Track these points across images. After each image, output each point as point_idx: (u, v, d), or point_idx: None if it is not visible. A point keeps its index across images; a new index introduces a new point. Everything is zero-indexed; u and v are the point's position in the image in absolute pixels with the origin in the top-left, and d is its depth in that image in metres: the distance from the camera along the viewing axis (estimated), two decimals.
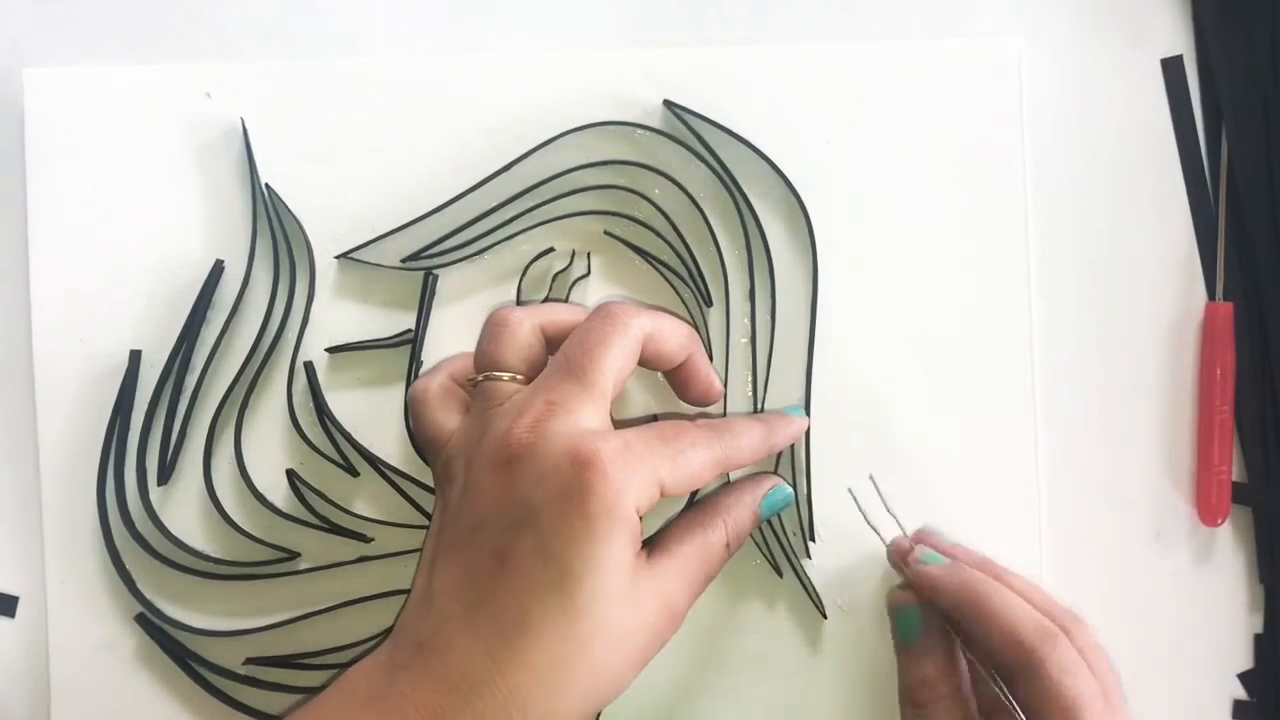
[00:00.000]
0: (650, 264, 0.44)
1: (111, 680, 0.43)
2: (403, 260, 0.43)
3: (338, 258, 0.44)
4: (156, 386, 0.43)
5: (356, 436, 0.43)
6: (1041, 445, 0.44)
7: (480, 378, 0.37)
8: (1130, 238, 0.46)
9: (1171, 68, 0.46)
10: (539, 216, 0.44)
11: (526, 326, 0.38)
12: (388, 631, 0.41)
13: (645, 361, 0.38)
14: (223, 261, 0.44)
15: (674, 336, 0.38)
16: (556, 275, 0.44)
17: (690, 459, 0.35)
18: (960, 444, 0.44)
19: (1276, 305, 0.45)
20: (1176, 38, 0.46)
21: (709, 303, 0.44)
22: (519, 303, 0.44)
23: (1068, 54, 0.46)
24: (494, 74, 0.44)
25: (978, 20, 0.45)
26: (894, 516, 0.43)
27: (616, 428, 0.36)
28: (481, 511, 0.34)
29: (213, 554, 0.43)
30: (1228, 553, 0.46)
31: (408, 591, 0.37)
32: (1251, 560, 0.46)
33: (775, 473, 0.42)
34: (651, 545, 0.35)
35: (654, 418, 0.44)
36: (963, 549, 0.42)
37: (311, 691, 0.43)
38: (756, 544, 0.43)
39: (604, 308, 0.37)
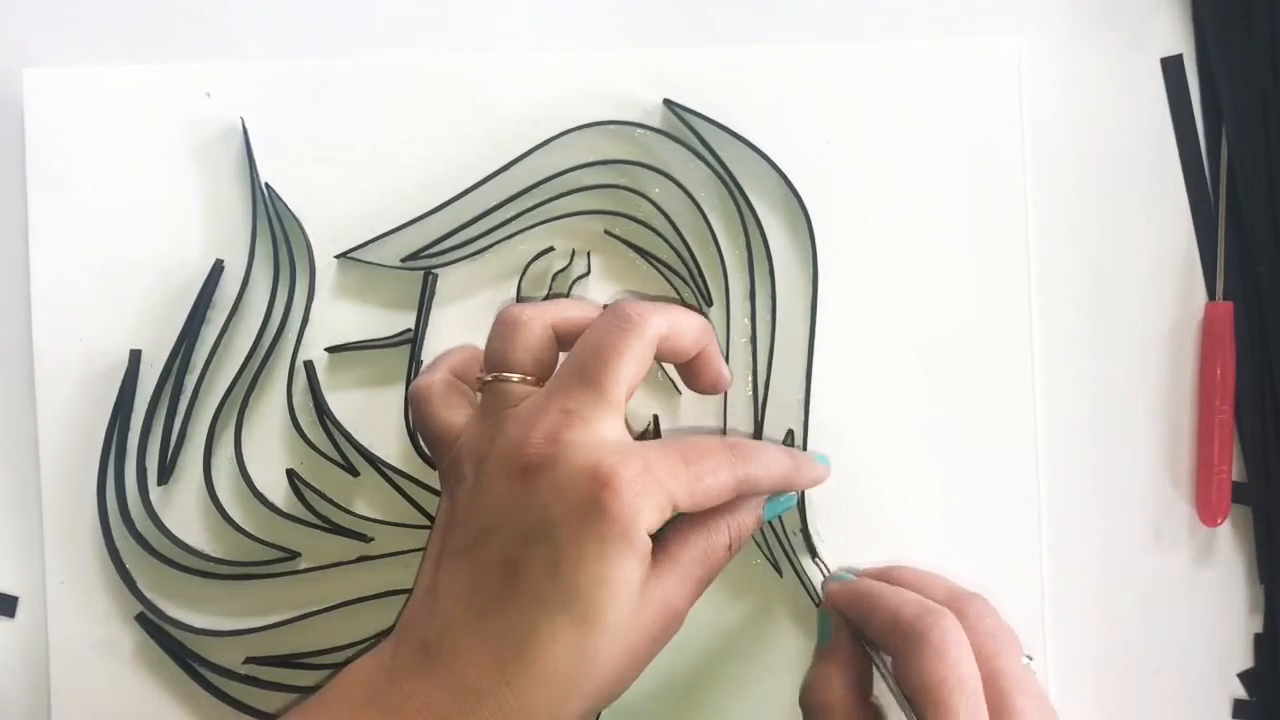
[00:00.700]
0: (650, 264, 0.44)
1: (111, 680, 0.43)
2: (403, 260, 0.43)
3: (338, 257, 0.44)
4: (156, 386, 0.43)
5: (356, 436, 0.43)
6: (1041, 445, 0.44)
7: (490, 377, 0.37)
8: (1130, 237, 0.46)
9: (1171, 68, 0.46)
10: (539, 216, 0.44)
11: (538, 326, 0.37)
12: (388, 631, 0.41)
13: (659, 358, 0.37)
14: (223, 261, 0.44)
15: (689, 333, 0.38)
16: (556, 274, 0.44)
17: (708, 484, 0.35)
18: (960, 444, 0.44)
19: (1276, 305, 0.45)
20: (1176, 38, 0.46)
21: (709, 302, 0.44)
22: (519, 302, 0.44)
23: (1068, 54, 0.46)
24: (494, 74, 0.44)
25: (978, 20, 0.45)
26: (821, 562, 0.43)
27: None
28: (493, 517, 0.34)
29: (213, 554, 0.43)
30: (1228, 553, 0.46)
31: (409, 590, 0.36)
32: (1251, 560, 0.46)
33: None
34: (654, 547, 0.35)
35: (654, 417, 0.44)
36: (879, 567, 0.43)
37: (311, 691, 0.43)
38: (757, 544, 0.44)
39: (618, 308, 0.36)
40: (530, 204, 0.43)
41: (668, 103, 0.44)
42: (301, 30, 0.45)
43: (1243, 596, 0.46)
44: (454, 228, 0.43)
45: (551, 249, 0.44)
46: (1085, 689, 0.45)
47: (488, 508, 0.34)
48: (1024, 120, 0.45)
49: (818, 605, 0.42)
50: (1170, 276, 0.46)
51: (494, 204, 0.43)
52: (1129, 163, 0.46)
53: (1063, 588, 0.45)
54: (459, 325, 0.44)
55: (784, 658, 0.44)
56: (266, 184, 0.44)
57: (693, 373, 0.40)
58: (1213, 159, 0.46)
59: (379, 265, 0.44)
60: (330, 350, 0.44)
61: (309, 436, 0.43)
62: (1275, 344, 0.45)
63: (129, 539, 0.43)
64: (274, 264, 0.44)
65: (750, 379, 0.44)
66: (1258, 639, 0.46)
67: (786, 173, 0.44)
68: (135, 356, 0.43)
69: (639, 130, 0.44)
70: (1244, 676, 0.46)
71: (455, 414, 0.38)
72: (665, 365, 0.43)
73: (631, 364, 0.35)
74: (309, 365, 0.44)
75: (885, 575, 0.42)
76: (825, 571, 0.44)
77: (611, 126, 0.44)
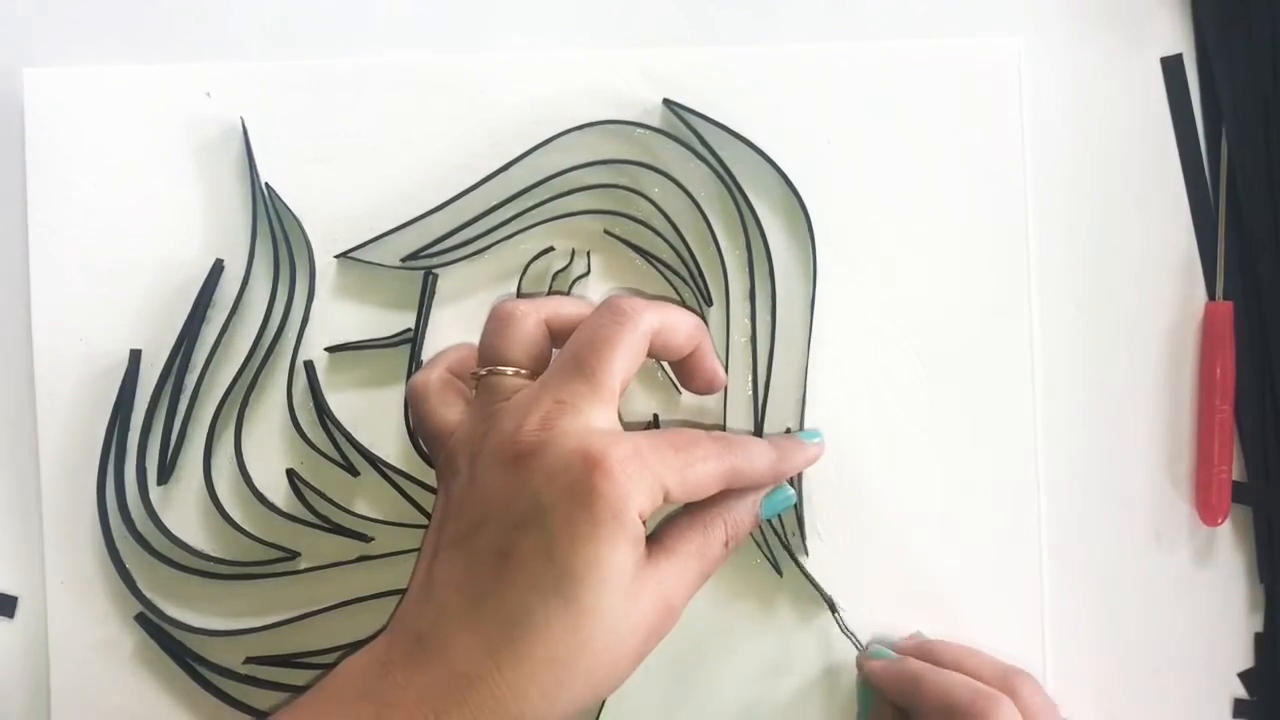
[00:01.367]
0: (650, 263, 0.44)
1: (111, 680, 0.43)
2: (403, 260, 0.43)
3: (338, 257, 0.44)
4: (156, 386, 0.43)
5: (356, 436, 0.43)
6: (1041, 445, 0.44)
7: (484, 372, 0.37)
8: (1130, 237, 0.46)
9: (1171, 68, 0.46)
10: (539, 216, 0.44)
11: (531, 320, 0.37)
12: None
13: (652, 354, 0.37)
14: (223, 261, 0.44)
15: (682, 329, 0.38)
16: (556, 274, 0.44)
17: (698, 471, 0.35)
18: (960, 444, 0.44)
19: (1276, 305, 0.45)
20: (1176, 38, 0.46)
21: (709, 302, 0.44)
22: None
23: (1068, 54, 0.46)
24: (494, 74, 0.44)
25: (978, 20, 0.45)
26: (849, 631, 0.44)
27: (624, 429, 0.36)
28: (487, 507, 0.34)
29: (213, 554, 0.43)
30: (1228, 553, 0.46)
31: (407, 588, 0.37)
32: (1251, 560, 0.46)
33: None
34: (651, 542, 0.35)
35: (655, 416, 0.44)
36: (916, 641, 0.43)
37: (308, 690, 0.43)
38: (756, 543, 0.44)
39: (612, 302, 0.37)
40: (530, 204, 0.43)
41: (667, 102, 0.44)
42: (301, 30, 0.45)
43: (1243, 596, 0.46)
44: (454, 228, 0.43)
45: (551, 249, 0.44)
46: (1085, 689, 0.45)
47: (482, 498, 0.34)
48: (1024, 120, 0.45)
49: (860, 683, 0.43)
50: (1170, 276, 0.46)
51: (494, 204, 0.43)
52: (1129, 163, 0.46)
53: (1063, 588, 0.45)
54: (459, 325, 0.44)
55: (784, 658, 0.44)
56: (266, 184, 0.44)
57: (687, 372, 0.40)
58: (1213, 159, 0.46)
59: (379, 265, 0.44)
60: (330, 350, 0.44)
61: (309, 436, 0.43)
62: (1275, 344, 0.45)
63: (129, 539, 0.43)
64: (274, 264, 0.44)
65: (750, 378, 0.44)
66: (1258, 639, 0.46)
67: (786, 173, 0.44)
68: (135, 356, 0.43)
69: (639, 130, 0.44)
70: (1244, 676, 0.46)
71: (451, 411, 0.38)
72: (665, 365, 0.43)
73: (624, 356, 0.35)
74: (309, 365, 0.44)
75: (925, 652, 0.42)
76: (854, 640, 0.43)
77: (611, 126, 0.44)
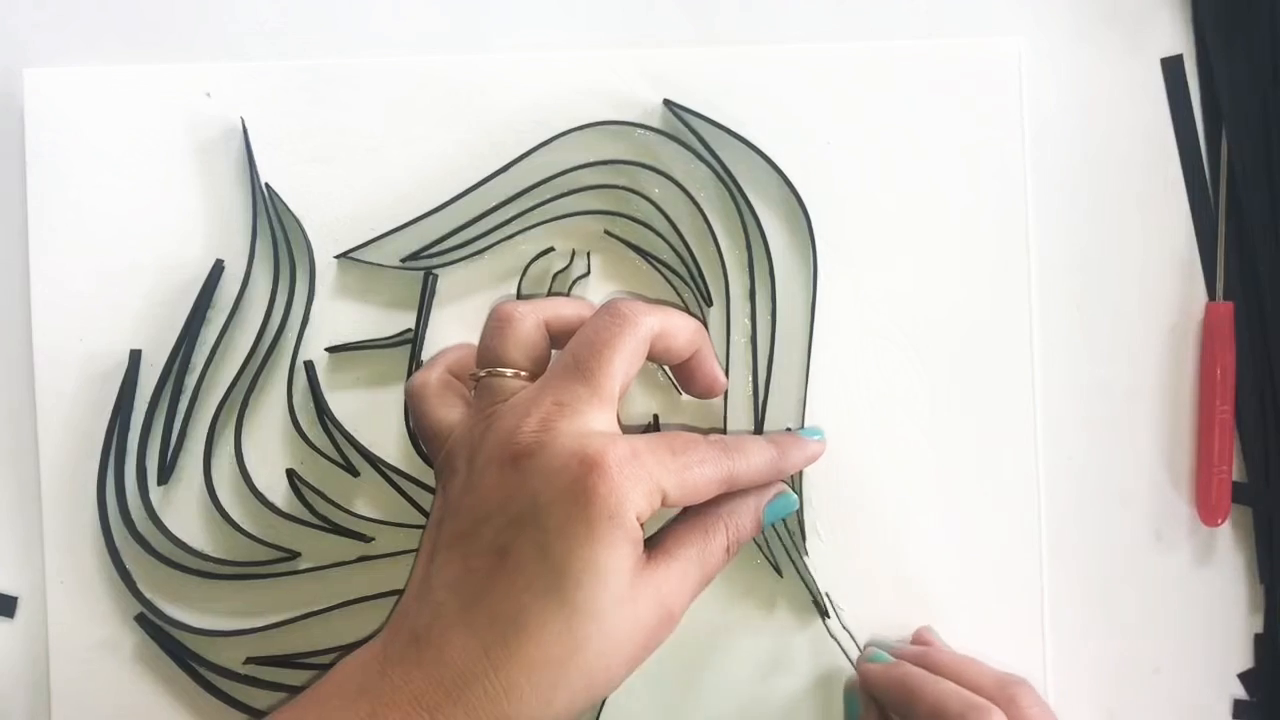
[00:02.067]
0: (650, 263, 0.44)
1: (111, 680, 0.43)
2: (403, 260, 0.43)
3: (338, 258, 0.44)
4: (156, 386, 0.43)
5: (356, 436, 0.43)
6: (1041, 445, 0.44)
7: (483, 373, 0.37)
8: (1130, 237, 0.46)
9: (1171, 68, 0.46)
10: (539, 216, 0.44)
11: (530, 322, 0.38)
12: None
13: (652, 357, 0.37)
14: (223, 261, 0.44)
15: (682, 333, 0.38)
16: (556, 274, 0.44)
17: (696, 474, 0.35)
18: (960, 444, 0.44)
19: (1276, 305, 0.45)
20: (1176, 38, 0.46)
21: (709, 302, 0.44)
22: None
23: (1068, 54, 0.46)
24: (494, 74, 0.44)
25: (978, 20, 0.45)
26: (848, 631, 0.44)
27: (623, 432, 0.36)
28: (485, 507, 0.34)
29: (213, 554, 0.43)
30: (1228, 553, 0.46)
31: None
32: (1251, 560, 0.46)
33: None
34: (651, 546, 0.35)
35: (655, 417, 0.44)
36: (915, 648, 0.43)
37: None
38: (757, 544, 0.44)
39: (612, 305, 0.37)
40: (530, 204, 0.43)
41: (668, 103, 0.44)
42: (301, 30, 0.45)
43: (1243, 596, 0.46)
44: (454, 228, 0.43)
45: (551, 249, 0.44)
46: (1085, 689, 0.45)
47: (480, 498, 0.34)
48: (1024, 120, 0.45)
49: (847, 689, 0.43)
50: (1170, 276, 0.46)
51: (494, 204, 0.43)
52: (1129, 163, 0.46)
53: (1063, 588, 0.45)
54: (459, 326, 0.44)
55: (783, 658, 0.44)
56: (266, 184, 0.44)
57: (687, 375, 0.40)
58: (1213, 159, 0.46)
59: (379, 265, 0.44)
60: (330, 350, 0.44)
61: (309, 436, 0.43)
62: (1275, 344, 0.45)
63: (129, 539, 0.43)
64: (274, 264, 0.44)
65: (750, 378, 0.44)
66: (1258, 639, 0.46)
67: (786, 173, 0.44)
68: (135, 357, 0.43)
69: (639, 130, 0.44)
70: (1244, 676, 0.46)
71: (450, 411, 0.38)
72: (665, 368, 0.43)
73: (625, 359, 0.35)
74: (309, 365, 0.44)
75: (923, 660, 0.42)
76: (851, 637, 0.43)
77: (611, 126, 0.44)
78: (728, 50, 0.45)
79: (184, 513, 0.44)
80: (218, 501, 0.43)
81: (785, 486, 0.41)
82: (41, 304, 0.44)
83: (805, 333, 0.44)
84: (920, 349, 0.44)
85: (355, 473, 0.44)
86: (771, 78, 0.44)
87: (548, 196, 0.43)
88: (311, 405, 0.44)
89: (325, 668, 0.43)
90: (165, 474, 0.43)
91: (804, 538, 0.44)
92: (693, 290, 0.44)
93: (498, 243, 0.44)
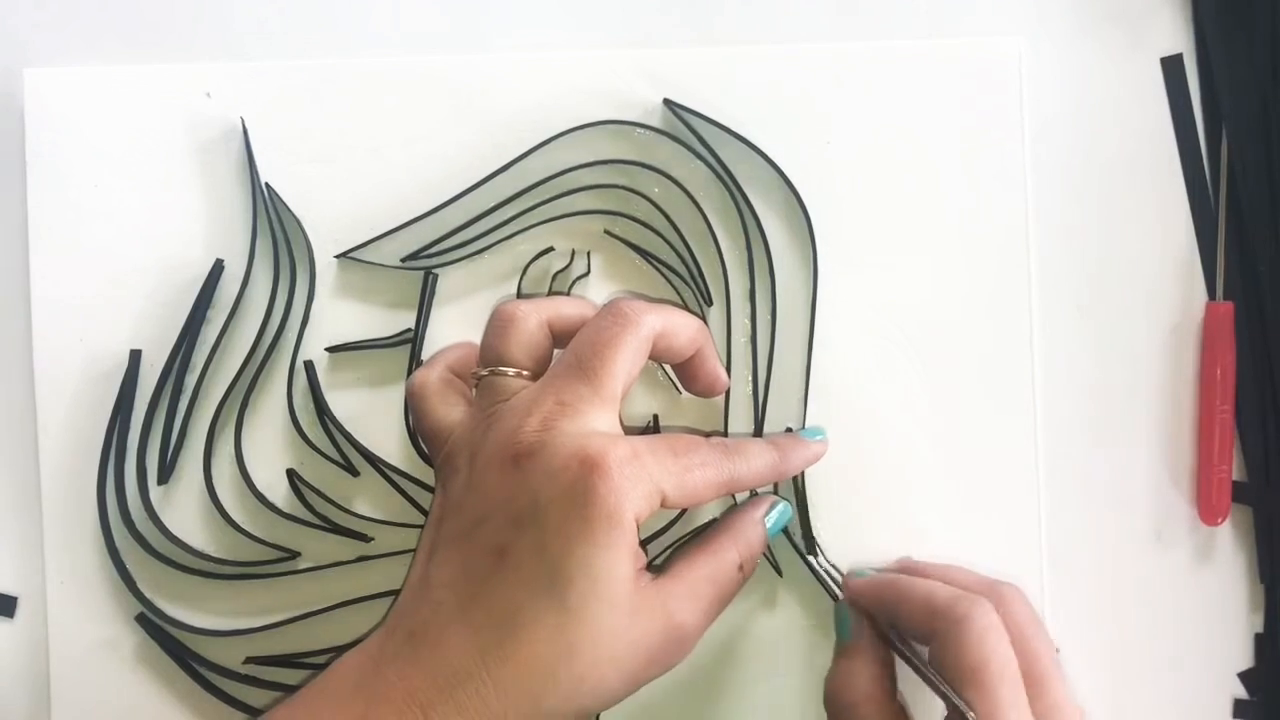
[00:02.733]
0: (650, 263, 0.44)
1: (111, 680, 0.43)
2: (403, 260, 0.43)
3: (338, 257, 0.44)
4: (156, 386, 0.43)
5: (356, 436, 0.43)
6: (1041, 445, 0.44)
7: (485, 372, 0.37)
8: (1130, 238, 0.46)
9: (1171, 68, 0.46)
10: (539, 216, 0.44)
11: (533, 321, 0.37)
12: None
13: (654, 357, 0.37)
14: (223, 261, 0.44)
15: (684, 332, 0.38)
16: (556, 274, 0.44)
17: (696, 476, 0.35)
18: (960, 444, 0.44)
19: (1276, 305, 0.45)
20: (1176, 38, 0.46)
21: (709, 302, 0.44)
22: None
23: (1068, 54, 0.46)
24: (494, 74, 0.44)
25: (978, 20, 0.45)
26: (834, 567, 0.43)
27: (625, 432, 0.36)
28: (485, 506, 0.34)
29: (213, 554, 0.43)
30: (1228, 553, 0.46)
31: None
32: (1251, 560, 0.46)
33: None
34: (659, 570, 0.35)
35: (655, 417, 0.44)
36: (902, 562, 0.43)
37: None
38: None
39: (614, 305, 0.37)
40: (530, 204, 0.43)
41: (668, 103, 0.44)
42: (301, 30, 0.45)
43: (1243, 596, 0.46)
44: (454, 228, 0.43)
45: (551, 249, 0.44)
46: (1085, 689, 0.45)
47: (480, 497, 0.34)
48: (1024, 120, 0.45)
49: (835, 600, 0.42)
50: (1170, 276, 0.46)
51: (494, 204, 0.43)
52: (1129, 162, 0.46)
53: (1063, 588, 0.45)
54: (459, 325, 0.44)
55: (785, 658, 0.44)
56: (266, 184, 0.44)
57: (689, 374, 0.40)
58: (1213, 159, 0.46)
59: (379, 265, 0.44)
60: (330, 350, 0.44)
61: (309, 436, 0.43)
62: (1275, 344, 0.45)
63: (129, 539, 0.43)
64: (274, 264, 0.44)
65: (750, 378, 0.44)
66: (1258, 639, 0.46)
67: (786, 173, 0.44)
68: (135, 357, 0.43)
69: (639, 130, 0.44)
70: (1244, 676, 0.46)
71: (451, 410, 0.38)
72: (667, 367, 0.43)
73: (627, 359, 0.35)
74: (309, 365, 0.44)
75: (906, 569, 0.41)
76: (834, 570, 0.43)
77: (611, 126, 0.44)
78: (728, 50, 0.45)
79: (184, 512, 0.44)
80: (218, 501, 0.43)
81: (779, 498, 0.41)
82: (41, 304, 0.44)
83: (805, 333, 0.44)
84: (920, 349, 0.44)
85: (355, 472, 0.44)
86: (771, 78, 0.44)
87: (548, 196, 0.43)
88: (311, 405, 0.44)
89: (325, 667, 0.43)
90: (165, 474, 0.43)
91: (813, 540, 0.43)
92: (693, 290, 0.44)
93: (498, 243, 0.44)
